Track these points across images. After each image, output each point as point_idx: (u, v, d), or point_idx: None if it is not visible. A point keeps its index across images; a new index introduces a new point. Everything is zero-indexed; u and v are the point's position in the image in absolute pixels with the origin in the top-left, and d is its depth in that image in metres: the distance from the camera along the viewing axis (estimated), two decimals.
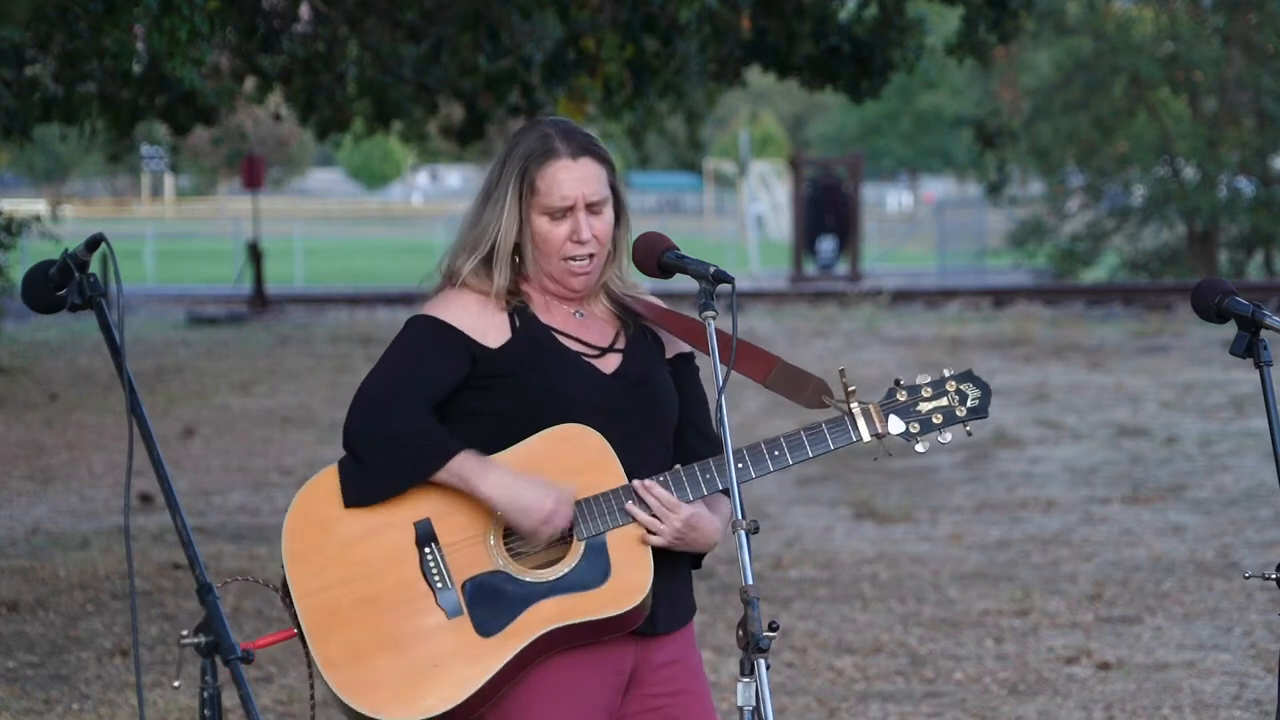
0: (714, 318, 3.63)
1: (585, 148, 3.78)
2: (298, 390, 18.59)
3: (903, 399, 3.82)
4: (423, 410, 3.71)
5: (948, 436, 3.81)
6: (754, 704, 3.44)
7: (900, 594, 9.37)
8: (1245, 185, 36.75)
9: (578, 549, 3.69)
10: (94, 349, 22.02)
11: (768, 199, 57.10)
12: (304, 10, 13.77)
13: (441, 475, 3.67)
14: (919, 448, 3.81)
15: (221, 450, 14.55)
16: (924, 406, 3.82)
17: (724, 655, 7.86)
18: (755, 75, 18.81)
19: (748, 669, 3.45)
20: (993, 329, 24.15)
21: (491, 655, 3.64)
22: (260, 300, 29.36)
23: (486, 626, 3.65)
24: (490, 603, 3.66)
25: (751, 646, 3.42)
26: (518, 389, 3.73)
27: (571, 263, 3.78)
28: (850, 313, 26.59)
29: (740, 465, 3.71)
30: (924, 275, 38.53)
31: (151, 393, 17.76)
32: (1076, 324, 24.82)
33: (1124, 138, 36.58)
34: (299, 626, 3.69)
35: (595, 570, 3.68)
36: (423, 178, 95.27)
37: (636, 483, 3.72)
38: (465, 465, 3.67)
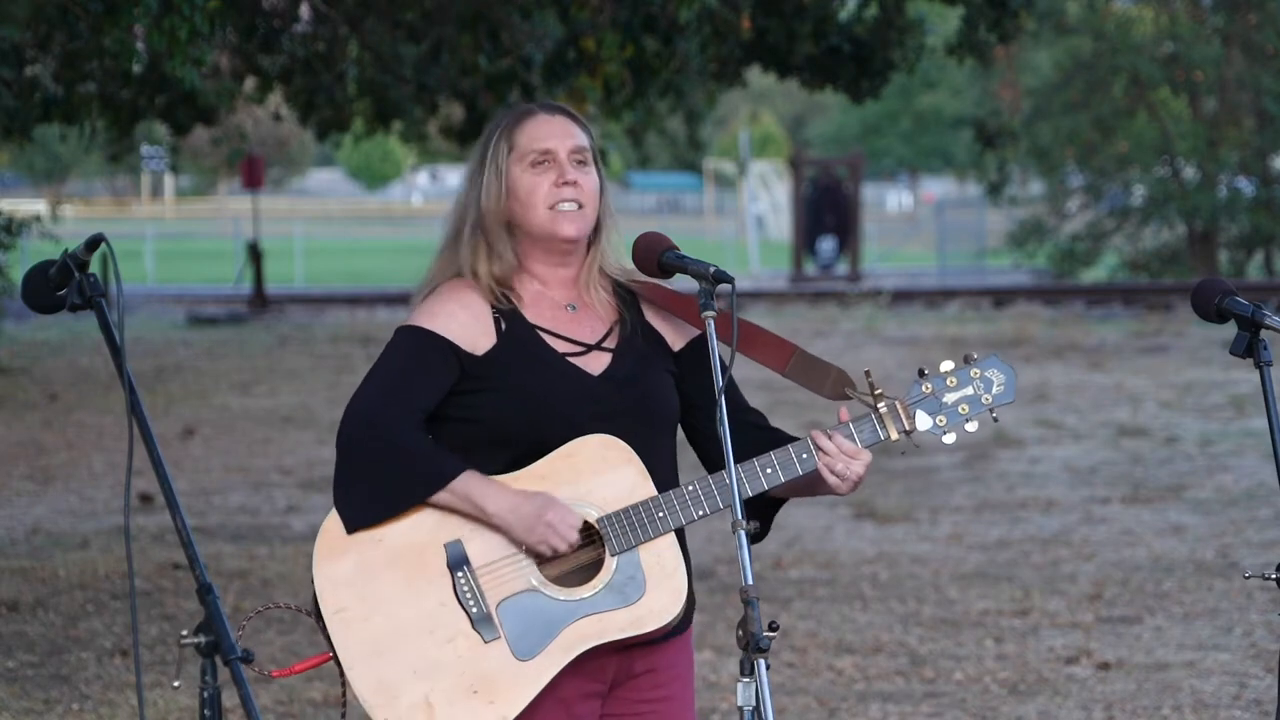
0: (714, 318, 3.59)
1: (560, 110, 3.79)
2: (298, 390, 18.58)
3: (928, 391, 3.76)
4: (417, 423, 3.65)
5: (974, 427, 3.77)
6: (754, 704, 3.43)
7: (900, 594, 9.36)
8: (1245, 185, 36.74)
9: (611, 564, 3.63)
10: (94, 349, 22.00)
11: (768, 199, 57.10)
12: (304, 10, 13.77)
13: (444, 496, 3.61)
14: (947, 439, 3.77)
15: (221, 450, 14.55)
16: (950, 398, 3.76)
17: (724, 655, 7.86)
18: (755, 75, 18.81)
19: (748, 669, 3.44)
20: (993, 329, 24.14)
21: (531, 677, 3.60)
22: (260, 300, 29.36)
23: (524, 649, 3.60)
24: (526, 624, 3.61)
25: (751, 646, 3.41)
26: (501, 396, 3.67)
27: (559, 207, 3.71)
28: (850, 313, 26.58)
29: (769, 470, 3.68)
30: (924, 275, 38.51)
31: (151, 393, 17.76)
32: (1076, 324, 24.82)
33: (1124, 138, 36.56)
34: (333, 647, 3.63)
35: (629, 586, 3.63)
36: (423, 178, 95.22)
37: (818, 434, 3.67)
38: (470, 485, 3.61)
